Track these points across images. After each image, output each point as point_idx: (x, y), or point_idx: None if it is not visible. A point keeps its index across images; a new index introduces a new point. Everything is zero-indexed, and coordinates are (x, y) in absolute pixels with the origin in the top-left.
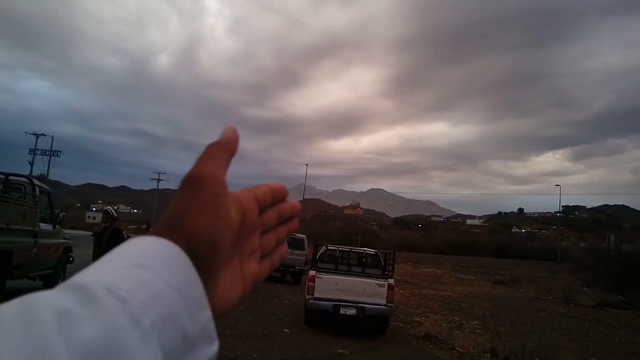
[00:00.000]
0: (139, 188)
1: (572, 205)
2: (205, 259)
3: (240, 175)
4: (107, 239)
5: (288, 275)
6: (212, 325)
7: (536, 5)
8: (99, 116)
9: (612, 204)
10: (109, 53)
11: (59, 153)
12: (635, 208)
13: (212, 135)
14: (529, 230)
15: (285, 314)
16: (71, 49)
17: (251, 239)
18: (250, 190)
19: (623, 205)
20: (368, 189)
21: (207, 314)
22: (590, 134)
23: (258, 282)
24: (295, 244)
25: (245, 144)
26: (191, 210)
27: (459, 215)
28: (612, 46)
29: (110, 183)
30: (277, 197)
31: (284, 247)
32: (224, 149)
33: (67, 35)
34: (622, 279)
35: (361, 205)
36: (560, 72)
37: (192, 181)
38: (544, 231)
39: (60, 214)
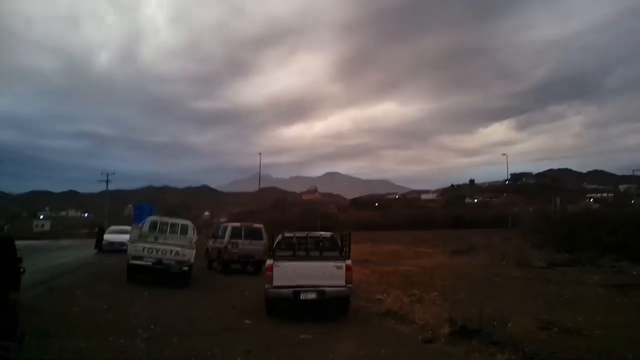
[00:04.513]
0: (88, 191)
1: (519, 173)
2: None
3: (191, 171)
4: None
5: (248, 266)
6: None
7: None
8: (40, 120)
9: (555, 169)
10: (43, 54)
11: None
12: (577, 170)
13: (160, 131)
14: (481, 200)
15: (246, 305)
16: None
17: None
18: None
19: (566, 168)
20: (324, 173)
21: None
22: (532, 102)
23: None
24: (253, 234)
25: (195, 138)
26: None
27: (414, 191)
28: (546, 17)
29: (57, 189)
30: None
31: None
32: None
33: None
34: (568, 238)
35: (319, 190)
36: (500, 45)
37: None
38: (495, 199)
39: (5, 226)
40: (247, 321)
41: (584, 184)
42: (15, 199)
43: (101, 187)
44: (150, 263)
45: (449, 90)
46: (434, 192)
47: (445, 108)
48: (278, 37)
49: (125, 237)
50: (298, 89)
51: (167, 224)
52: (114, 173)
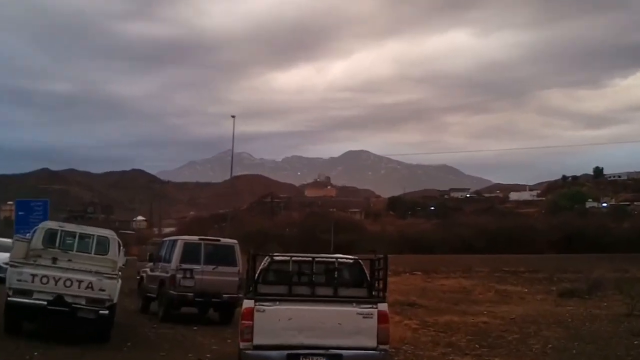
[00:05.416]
0: None
1: None
2: None
3: (115, 145)
4: None
5: (211, 310)
6: None
7: None
8: None
9: None
10: None
11: None
12: None
13: (64, 74)
14: (612, 203)
15: None
16: None
17: None
18: None
19: None
20: (343, 152)
21: None
22: None
23: None
24: (220, 256)
25: (123, 87)
26: None
27: (497, 185)
28: None
29: None
30: None
31: None
32: None
33: None
34: None
35: (333, 181)
36: None
37: None
38: (638, 203)
39: None
40: None
41: None
42: None
43: None
44: (45, 302)
45: (562, 10)
46: (531, 188)
47: (554, 42)
48: None
49: (2, 257)
50: (301, 5)
51: (73, 235)
52: None
